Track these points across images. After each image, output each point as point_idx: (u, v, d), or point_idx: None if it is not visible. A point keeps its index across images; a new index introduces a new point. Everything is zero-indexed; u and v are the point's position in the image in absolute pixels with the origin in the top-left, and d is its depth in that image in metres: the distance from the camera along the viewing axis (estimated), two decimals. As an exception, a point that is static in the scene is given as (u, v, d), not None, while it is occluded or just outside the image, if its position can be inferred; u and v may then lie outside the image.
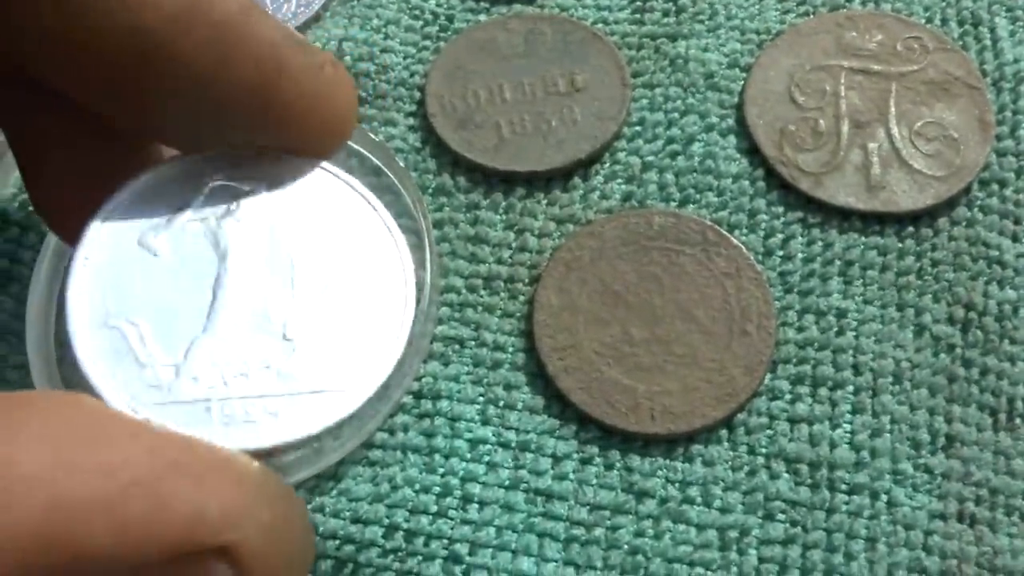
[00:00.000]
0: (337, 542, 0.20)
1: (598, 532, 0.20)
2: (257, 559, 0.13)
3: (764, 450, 0.21)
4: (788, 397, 0.21)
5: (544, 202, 0.23)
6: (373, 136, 0.23)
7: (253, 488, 0.13)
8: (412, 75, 0.25)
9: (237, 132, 0.16)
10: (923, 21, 0.25)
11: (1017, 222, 0.23)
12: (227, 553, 0.12)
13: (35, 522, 0.11)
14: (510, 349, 0.22)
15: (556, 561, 0.20)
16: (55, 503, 0.11)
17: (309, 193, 0.17)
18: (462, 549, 0.20)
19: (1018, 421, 0.21)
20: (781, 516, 0.20)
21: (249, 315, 0.16)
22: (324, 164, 0.17)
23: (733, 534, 0.20)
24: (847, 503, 0.20)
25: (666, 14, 0.26)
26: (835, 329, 0.22)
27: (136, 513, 0.12)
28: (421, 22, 0.26)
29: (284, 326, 0.16)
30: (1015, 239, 0.22)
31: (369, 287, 0.16)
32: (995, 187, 0.23)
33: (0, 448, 0.11)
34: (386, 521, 0.20)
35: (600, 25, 0.25)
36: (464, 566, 0.20)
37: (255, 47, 0.15)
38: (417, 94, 0.25)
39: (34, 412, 0.12)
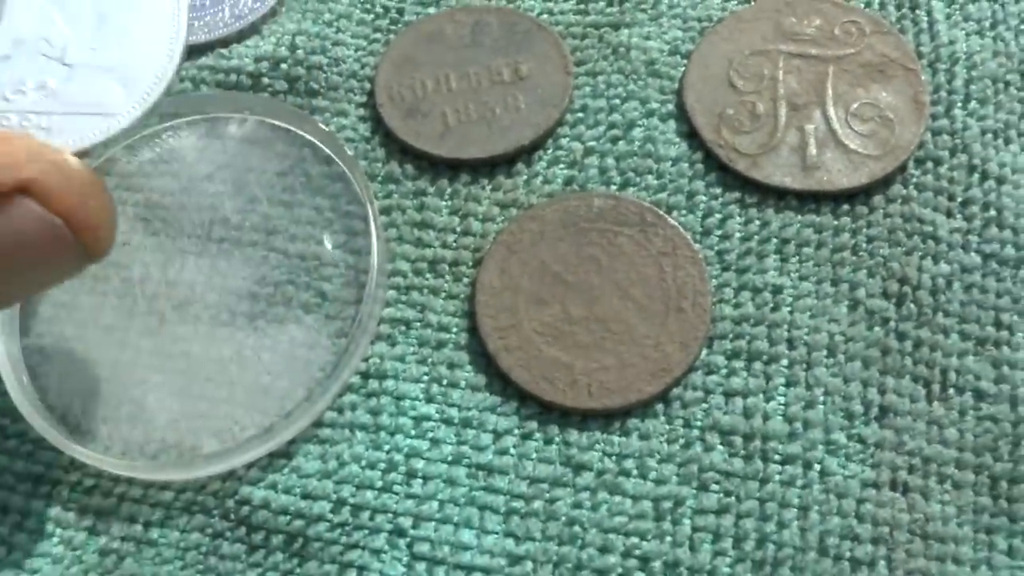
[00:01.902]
0: (288, 517, 0.21)
1: (537, 504, 0.21)
2: (54, 191, 0.16)
3: (699, 423, 0.21)
4: (723, 371, 0.22)
5: (488, 188, 0.24)
6: (324, 127, 0.24)
7: (34, 143, 0.16)
8: (363, 67, 0.26)
9: None
10: (861, 5, 0.26)
11: (951, 199, 0.23)
12: (28, 189, 0.16)
13: None
14: (454, 330, 0.23)
15: (496, 533, 0.21)
16: None
17: None
18: (406, 522, 0.21)
19: (951, 391, 0.21)
20: (715, 487, 0.21)
21: (31, 39, 0.17)
22: None
23: (667, 504, 0.21)
24: (780, 473, 0.21)
25: (610, 4, 0.26)
26: (770, 305, 0.22)
27: None
28: (372, 15, 0.27)
29: (63, 51, 0.17)
30: (949, 215, 0.23)
31: (141, 18, 0.18)
32: (929, 165, 0.23)
33: None
34: (334, 496, 0.21)
35: (545, 16, 0.26)
36: (408, 539, 0.21)
37: None
38: (367, 85, 0.25)
39: None
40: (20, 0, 0.18)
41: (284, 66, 0.25)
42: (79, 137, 0.17)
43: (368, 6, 0.27)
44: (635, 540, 0.20)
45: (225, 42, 0.26)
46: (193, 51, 0.26)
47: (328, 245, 0.22)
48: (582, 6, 0.26)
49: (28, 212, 0.16)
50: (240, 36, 0.26)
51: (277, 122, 0.25)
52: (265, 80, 0.25)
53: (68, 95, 0.17)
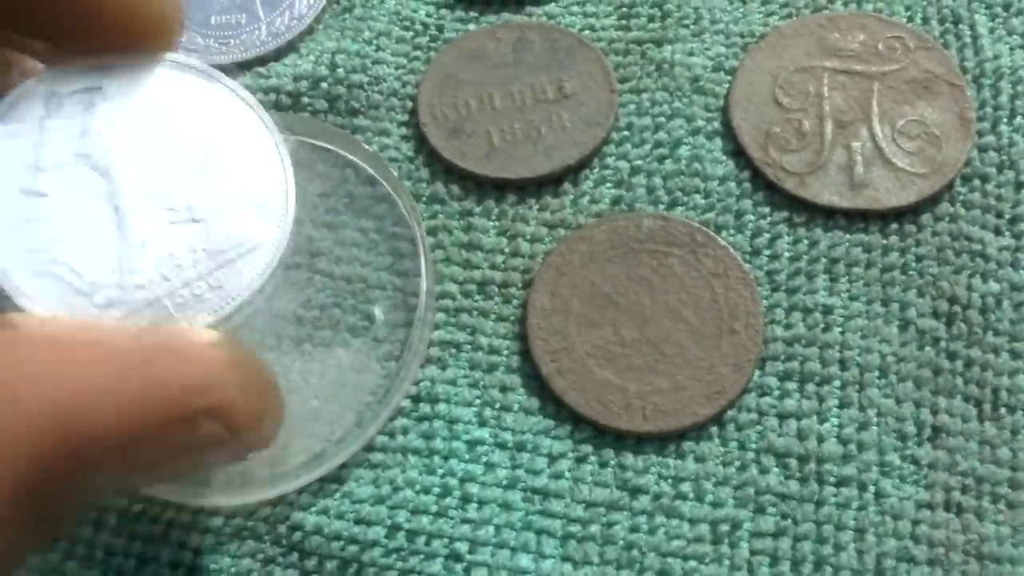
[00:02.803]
0: (341, 543, 0.21)
1: (594, 528, 0.21)
2: (239, 413, 0.15)
3: (754, 445, 0.21)
4: (776, 393, 0.22)
5: (535, 208, 0.24)
6: (367, 147, 0.24)
7: (225, 354, 0.15)
8: (404, 85, 0.26)
9: (69, 26, 0.17)
10: (904, 20, 0.25)
11: (999, 216, 0.23)
12: (214, 412, 0.15)
13: (44, 410, 0.13)
14: (505, 352, 0.22)
15: (554, 557, 0.21)
16: (57, 393, 0.13)
17: (160, 86, 0.18)
18: (462, 547, 0.21)
19: (1003, 411, 0.21)
20: (771, 509, 0.21)
21: (155, 214, 0.17)
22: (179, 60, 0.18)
23: (725, 528, 0.21)
24: (835, 495, 0.21)
25: (651, 19, 0.26)
26: (822, 325, 0.22)
27: (133, 391, 0.14)
28: (412, 32, 0.26)
29: (189, 210, 0.17)
30: (997, 232, 0.23)
31: (241, 147, 0.17)
32: (977, 182, 0.23)
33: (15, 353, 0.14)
34: (388, 521, 0.21)
35: (587, 32, 0.26)
36: (465, 564, 0.21)
37: None
38: (409, 104, 0.25)
39: (20, 326, 0.15)
40: (124, 182, 0.17)
41: (324, 85, 0.25)
42: (247, 282, 0.17)
43: (407, 23, 0.26)
44: (693, 564, 0.20)
45: (263, 60, 0.26)
46: (229, 70, 0.26)
47: (378, 315, 0.22)
48: (624, 22, 0.26)
49: (207, 436, 0.15)
50: (278, 55, 0.26)
51: (318, 142, 0.24)
52: (305, 99, 0.25)
53: (215, 247, 0.17)
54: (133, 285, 0.16)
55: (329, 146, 0.24)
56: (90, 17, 0.17)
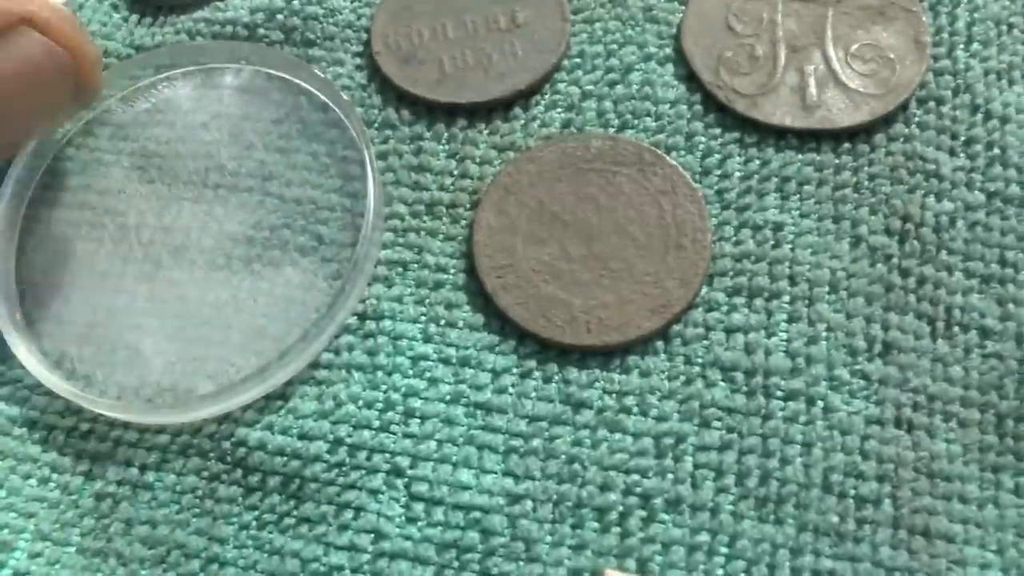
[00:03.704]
0: (284, 458, 0.21)
1: (536, 443, 0.20)
2: (53, 23, 0.19)
3: (700, 359, 0.21)
4: (724, 308, 0.21)
5: (485, 131, 0.24)
6: (320, 74, 0.24)
7: None
8: (359, 18, 0.26)
9: None
10: (862, -50, 0.25)
11: (954, 137, 0.23)
12: (31, 21, 0.19)
13: None
14: (451, 270, 0.22)
15: (496, 472, 0.20)
16: None
17: None
18: (404, 462, 0.20)
19: (955, 329, 0.21)
20: (717, 423, 0.20)
21: None
22: None
23: (669, 441, 0.20)
24: (783, 409, 0.20)
25: (608, -47, 0.26)
26: (771, 242, 0.22)
27: None
28: (369, -33, 0.26)
29: None
30: (952, 153, 0.23)
31: None
32: (932, 104, 0.23)
33: None
34: (331, 437, 0.21)
35: (543, -35, 0.26)
36: (406, 479, 0.20)
37: None
38: (364, 35, 0.25)
39: None
40: None
41: (280, 16, 0.25)
42: None
43: (365, -43, 0.26)
44: (636, 478, 0.20)
45: (222, -5, 0.26)
46: (189, 5, 0.26)
47: (326, 234, 0.23)
48: (579, -45, 0.26)
49: (33, 41, 0.19)
50: (237, -11, 0.26)
51: (273, 71, 0.24)
52: (261, 31, 0.25)
53: None
54: None
55: (283, 75, 0.24)
56: None
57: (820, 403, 0.20)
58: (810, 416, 0.20)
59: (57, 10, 0.19)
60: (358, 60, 0.25)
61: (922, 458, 0.20)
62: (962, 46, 0.24)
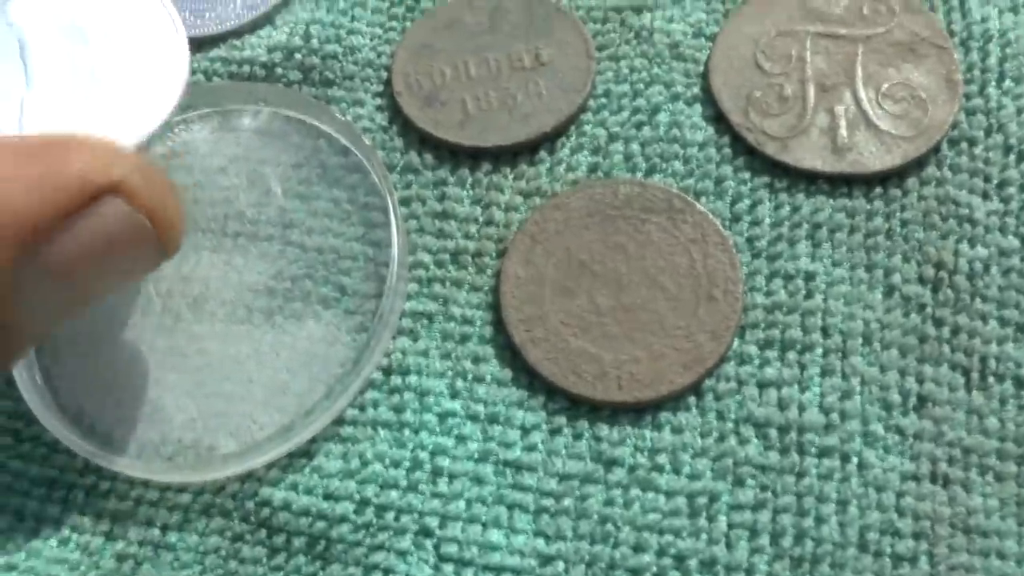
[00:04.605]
0: (310, 519, 0.20)
1: (568, 502, 0.20)
2: (140, 191, 0.17)
3: (733, 415, 0.21)
4: (756, 362, 0.21)
5: (511, 176, 0.23)
6: (340, 116, 0.23)
7: (114, 144, 0.17)
8: (379, 56, 0.25)
9: None
10: (890, -17, 0.25)
11: (987, 180, 0.22)
12: (117, 189, 0.17)
13: None
14: (478, 323, 0.22)
15: (526, 532, 0.20)
16: None
17: None
18: (433, 522, 0.20)
19: (991, 379, 0.21)
20: (751, 481, 0.20)
21: (60, 70, 0.19)
22: None
23: (702, 500, 0.20)
24: (817, 466, 0.20)
25: (631, -14, 0.25)
26: (803, 292, 0.21)
27: (39, 174, 0.16)
28: (387, 3, 0.26)
29: (91, 72, 0.19)
30: (985, 197, 0.22)
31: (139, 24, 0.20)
32: (964, 146, 0.23)
33: None
34: (357, 496, 0.20)
35: (565, 0, 0.25)
36: (435, 539, 0.20)
37: None
38: (384, 74, 0.25)
39: None
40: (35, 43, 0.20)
41: (298, 56, 0.25)
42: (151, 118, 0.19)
43: (382, -7, 0.26)
44: (670, 538, 0.20)
45: (238, 33, 0.25)
46: (205, 43, 0.26)
47: (349, 286, 0.22)
48: (602, -11, 0.25)
49: (117, 211, 0.17)
50: (253, 27, 0.26)
51: (292, 113, 0.24)
52: (279, 70, 0.25)
53: (116, 94, 0.19)
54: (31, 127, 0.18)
55: (302, 117, 0.24)
56: None
57: (855, 459, 0.20)
58: (845, 473, 0.20)
59: (146, 172, 0.17)
60: (378, 100, 0.25)
61: (959, 514, 0.20)
62: (994, 83, 0.23)
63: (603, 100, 0.24)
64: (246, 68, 0.25)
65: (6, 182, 0.16)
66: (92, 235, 0.17)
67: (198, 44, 0.26)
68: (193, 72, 0.25)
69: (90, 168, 0.16)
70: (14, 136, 0.18)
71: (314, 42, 0.25)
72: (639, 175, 0.23)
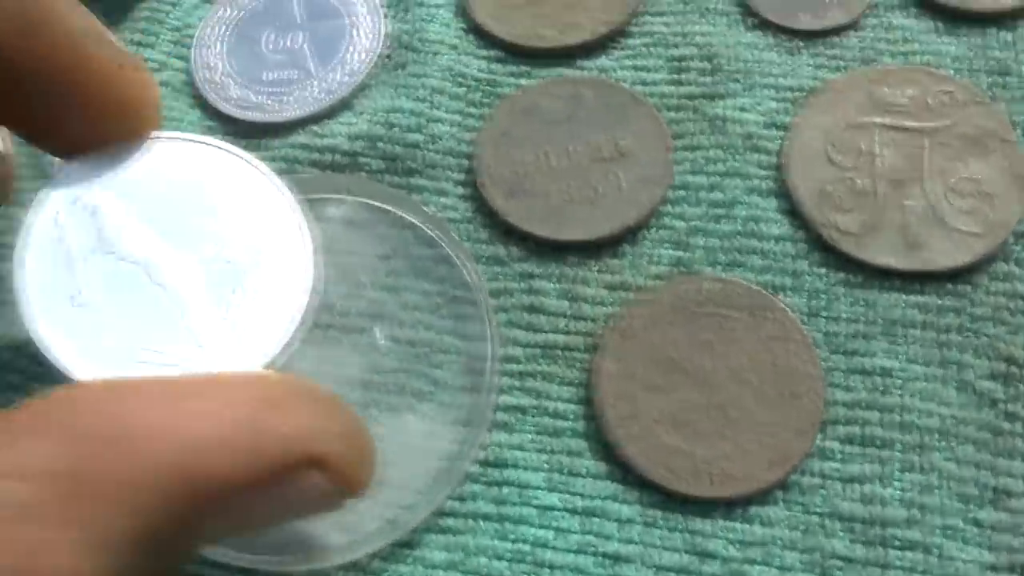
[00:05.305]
0: (414, 610, 0.21)
1: (665, 594, 0.21)
2: (341, 463, 0.16)
3: (819, 509, 0.22)
4: (839, 457, 0.22)
5: (596, 269, 0.24)
6: (426, 208, 0.24)
7: (324, 405, 0.16)
8: (459, 143, 0.26)
9: (43, 114, 0.18)
10: (952, 73, 0.26)
11: (1053, 274, 0.24)
12: (318, 463, 0.15)
13: (170, 459, 0.14)
14: (571, 417, 0.23)
15: (626, 623, 0.21)
16: (180, 443, 0.14)
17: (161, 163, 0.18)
18: (536, 614, 0.21)
19: (1062, 471, 0.22)
20: (839, 574, 0.21)
21: (194, 280, 0.18)
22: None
23: (794, 592, 0.21)
24: (901, 559, 0.21)
25: (702, 73, 0.26)
26: (881, 389, 0.22)
27: (244, 442, 0.15)
28: (464, 88, 0.26)
29: (223, 273, 0.18)
30: (1051, 291, 0.23)
31: (251, 204, 0.19)
32: (1030, 241, 0.24)
33: (132, 407, 0.15)
34: (461, 588, 0.21)
35: (639, 87, 0.26)
36: (538, 630, 0.21)
37: (53, 37, 0.17)
38: (465, 162, 0.25)
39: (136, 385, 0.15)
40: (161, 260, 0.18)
41: (381, 144, 0.25)
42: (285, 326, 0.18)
43: (460, 79, 0.26)
44: (763, 629, 0.21)
45: (316, 118, 0.26)
46: (284, 128, 0.26)
47: (444, 379, 0.22)
48: (675, 76, 0.26)
49: (314, 484, 0.15)
50: (332, 112, 0.26)
51: (377, 203, 0.24)
52: (362, 159, 0.25)
53: (253, 297, 0.18)
54: (206, 347, 0.17)
55: (388, 207, 0.24)
56: (63, 108, 0.17)
57: (936, 552, 0.21)
58: (927, 565, 0.21)
59: (351, 441, 0.16)
60: (461, 189, 0.25)
61: (1035, 603, 0.21)
62: (1055, 176, 0.24)
63: (682, 192, 0.25)
64: (328, 156, 0.25)
65: (217, 444, 0.15)
66: (281, 501, 0.16)
67: (279, 129, 0.26)
68: (274, 158, 0.26)
69: (296, 436, 0.15)
70: (210, 374, 0.17)
71: (396, 131, 0.25)
72: (720, 269, 0.24)
